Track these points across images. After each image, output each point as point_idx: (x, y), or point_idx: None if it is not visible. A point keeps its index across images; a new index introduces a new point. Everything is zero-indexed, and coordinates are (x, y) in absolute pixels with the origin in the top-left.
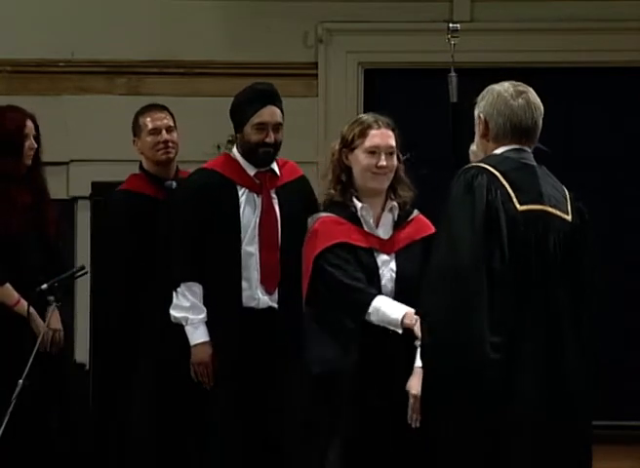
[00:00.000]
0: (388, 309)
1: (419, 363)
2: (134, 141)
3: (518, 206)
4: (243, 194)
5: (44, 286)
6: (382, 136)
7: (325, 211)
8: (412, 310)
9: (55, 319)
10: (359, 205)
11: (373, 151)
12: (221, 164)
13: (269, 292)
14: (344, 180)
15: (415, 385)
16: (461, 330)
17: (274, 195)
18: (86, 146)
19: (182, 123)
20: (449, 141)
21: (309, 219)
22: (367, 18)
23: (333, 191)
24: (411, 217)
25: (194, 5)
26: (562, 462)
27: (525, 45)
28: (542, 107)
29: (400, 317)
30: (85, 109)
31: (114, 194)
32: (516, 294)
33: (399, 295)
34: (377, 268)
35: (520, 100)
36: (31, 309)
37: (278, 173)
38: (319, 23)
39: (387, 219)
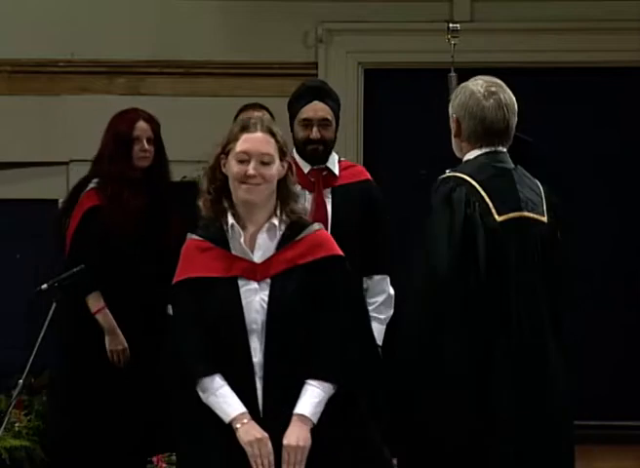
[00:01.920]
0: (227, 401)
1: (300, 410)
2: None
3: (497, 217)
4: None
5: (44, 286)
6: (255, 140)
7: (195, 230)
8: (244, 413)
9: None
10: (230, 222)
11: (242, 159)
12: None
13: None
14: (213, 193)
15: (289, 435)
16: (435, 344)
17: (329, 195)
18: (86, 146)
19: (182, 123)
20: (449, 141)
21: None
22: (367, 18)
23: (201, 205)
24: (301, 236)
25: (194, 5)
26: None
27: (525, 45)
28: (516, 104)
29: (231, 418)
30: (85, 109)
31: None
32: (497, 307)
33: (270, 330)
34: (238, 301)
35: (491, 101)
36: (112, 323)
37: (337, 173)
38: (319, 23)
39: (264, 240)
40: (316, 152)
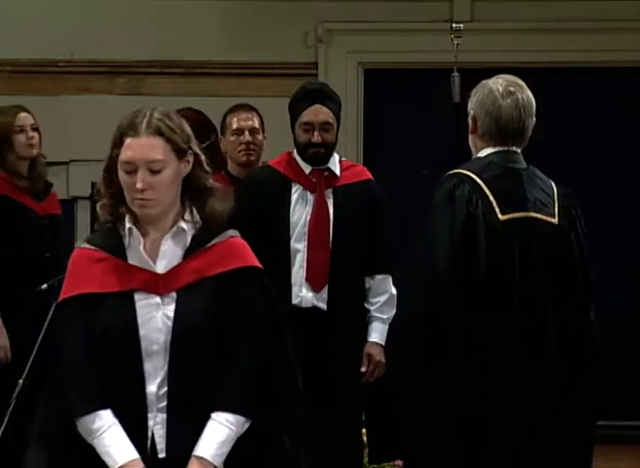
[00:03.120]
0: (115, 445)
1: (199, 451)
2: (220, 140)
3: (500, 215)
4: (296, 191)
5: (44, 286)
6: (139, 147)
7: (88, 238)
8: (134, 460)
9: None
10: (127, 226)
11: (128, 170)
12: (280, 161)
13: (315, 291)
14: (111, 199)
15: None
16: (434, 339)
17: (330, 195)
18: (86, 146)
19: None
20: (449, 141)
21: None
22: (367, 18)
23: (99, 210)
24: (213, 243)
25: (194, 5)
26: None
27: (525, 45)
28: (534, 106)
29: (118, 466)
30: (85, 109)
31: None
32: (496, 304)
33: (175, 352)
34: (133, 318)
35: (508, 101)
36: None
37: (338, 173)
38: (319, 23)
39: (169, 247)
40: (318, 155)
